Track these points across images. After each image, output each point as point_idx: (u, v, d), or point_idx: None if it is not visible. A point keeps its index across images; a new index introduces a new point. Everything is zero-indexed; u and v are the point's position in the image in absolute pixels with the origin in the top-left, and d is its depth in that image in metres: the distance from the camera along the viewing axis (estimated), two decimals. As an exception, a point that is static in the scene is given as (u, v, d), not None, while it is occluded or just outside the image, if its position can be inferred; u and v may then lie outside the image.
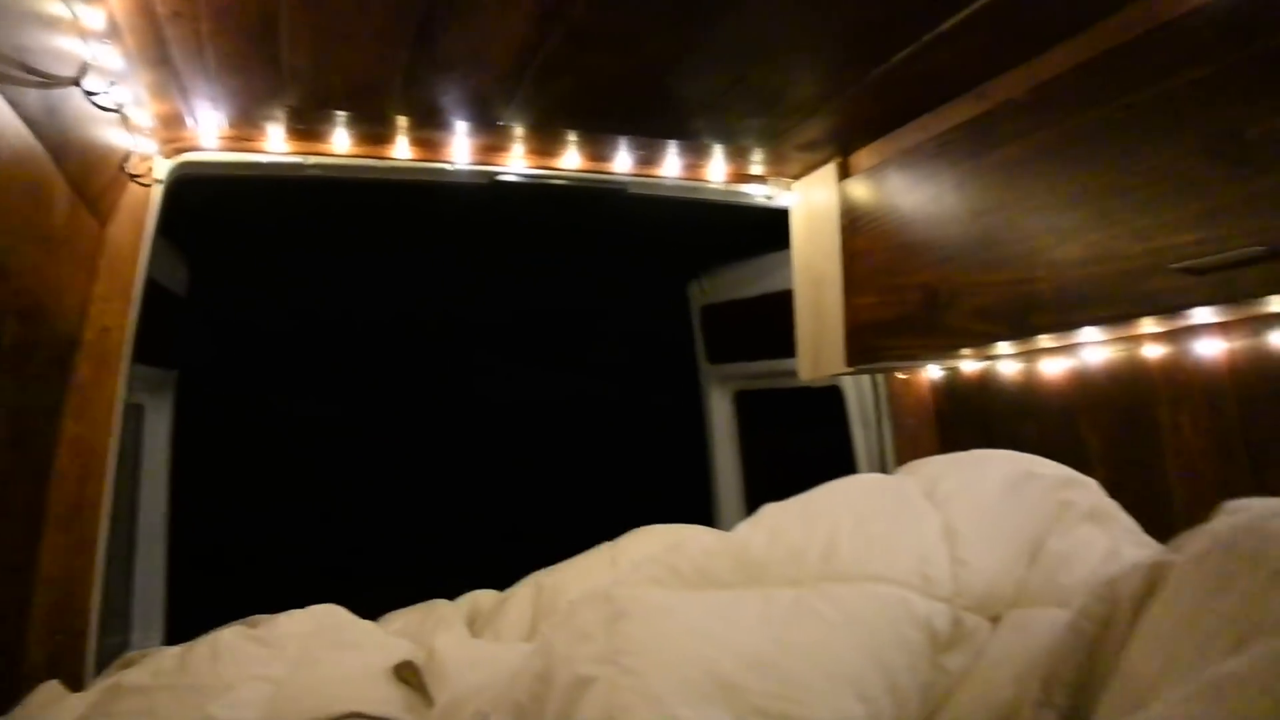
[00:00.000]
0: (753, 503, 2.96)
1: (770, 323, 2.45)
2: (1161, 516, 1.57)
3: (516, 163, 1.90)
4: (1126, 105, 1.25)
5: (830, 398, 2.41)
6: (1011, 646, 0.78)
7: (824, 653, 0.73)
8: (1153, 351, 1.59)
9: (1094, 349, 1.69)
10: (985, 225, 1.53)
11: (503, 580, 1.71)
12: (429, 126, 1.71)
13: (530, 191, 1.98)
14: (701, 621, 0.77)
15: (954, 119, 1.63)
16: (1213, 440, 1.50)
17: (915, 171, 1.69)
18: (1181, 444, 1.55)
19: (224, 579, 2.36)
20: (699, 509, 3.04)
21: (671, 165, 2.01)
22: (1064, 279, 1.38)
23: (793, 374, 2.13)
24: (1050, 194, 1.39)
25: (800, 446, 2.81)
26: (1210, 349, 1.49)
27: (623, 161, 1.96)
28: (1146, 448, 1.61)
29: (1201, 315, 1.38)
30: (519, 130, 1.76)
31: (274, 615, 1.44)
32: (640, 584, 0.84)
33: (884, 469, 2.22)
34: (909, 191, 1.72)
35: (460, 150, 1.83)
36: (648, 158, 1.96)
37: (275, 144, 1.71)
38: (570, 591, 1.16)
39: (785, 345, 2.16)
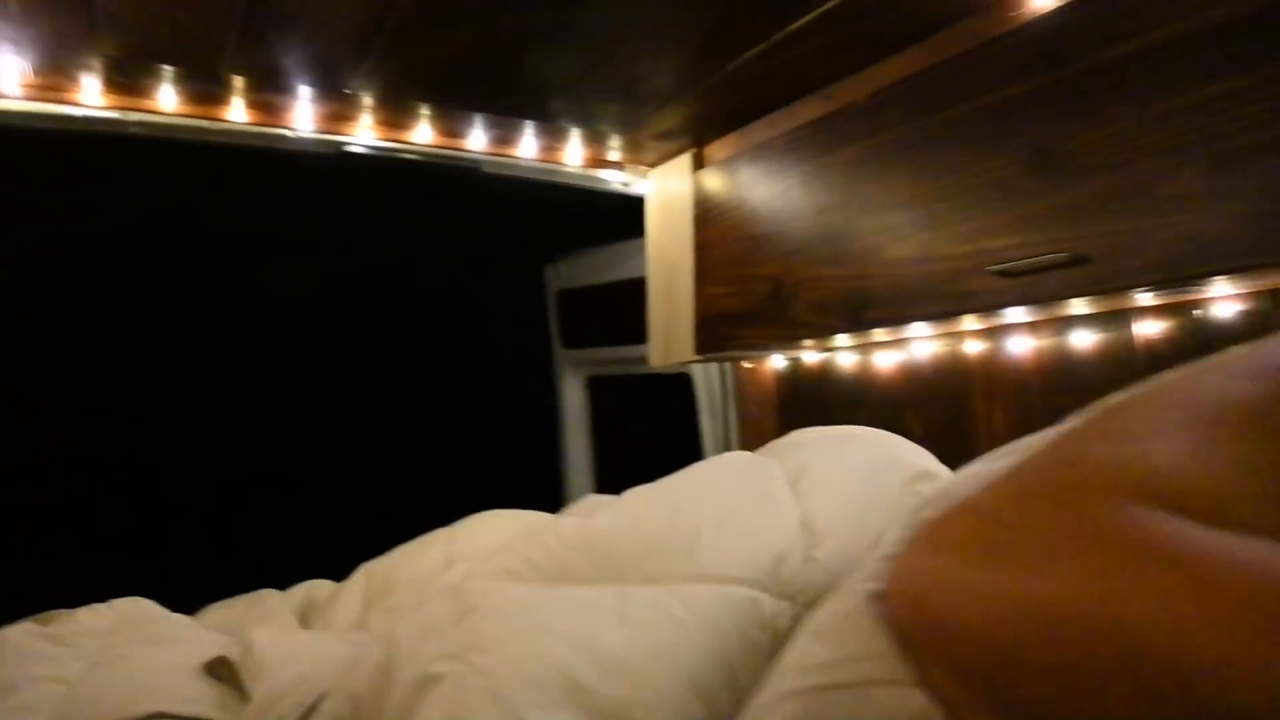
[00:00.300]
0: (603, 488, 2.99)
1: (624, 309, 2.47)
2: (975, 500, 1.71)
3: (365, 134, 1.82)
4: (954, 115, 1.34)
5: (680, 385, 2.46)
6: None
7: (676, 657, 0.72)
8: (972, 347, 1.71)
9: (921, 343, 1.81)
10: (827, 222, 1.59)
11: (342, 568, 1.65)
12: (269, 89, 1.61)
13: (380, 165, 1.91)
14: (558, 620, 0.75)
15: (802, 117, 1.69)
16: (1019, 430, 1.63)
17: (765, 166, 1.75)
18: (993, 433, 1.68)
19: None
20: (548, 494, 3.04)
21: (528, 146, 1.98)
22: (896, 276, 1.46)
23: (644, 361, 2.16)
24: (886, 195, 1.47)
25: (650, 432, 2.85)
26: (1020, 346, 1.62)
27: (477, 139, 1.91)
28: (963, 436, 1.74)
29: (1014, 315, 1.51)
30: (368, 100, 1.68)
31: (72, 610, 1.32)
32: (495, 577, 0.80)
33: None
34: (759, 185, 1.77)
35: (303, 117, 1.73)
36: (503, 137, 1.92)
37: (91, 97, 1.56)
38: (401, 579, 1.10)
39: (638, 332, 2.18)
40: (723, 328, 1.90)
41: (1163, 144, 1.08)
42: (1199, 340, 1.37)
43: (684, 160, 2.03)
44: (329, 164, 1.85)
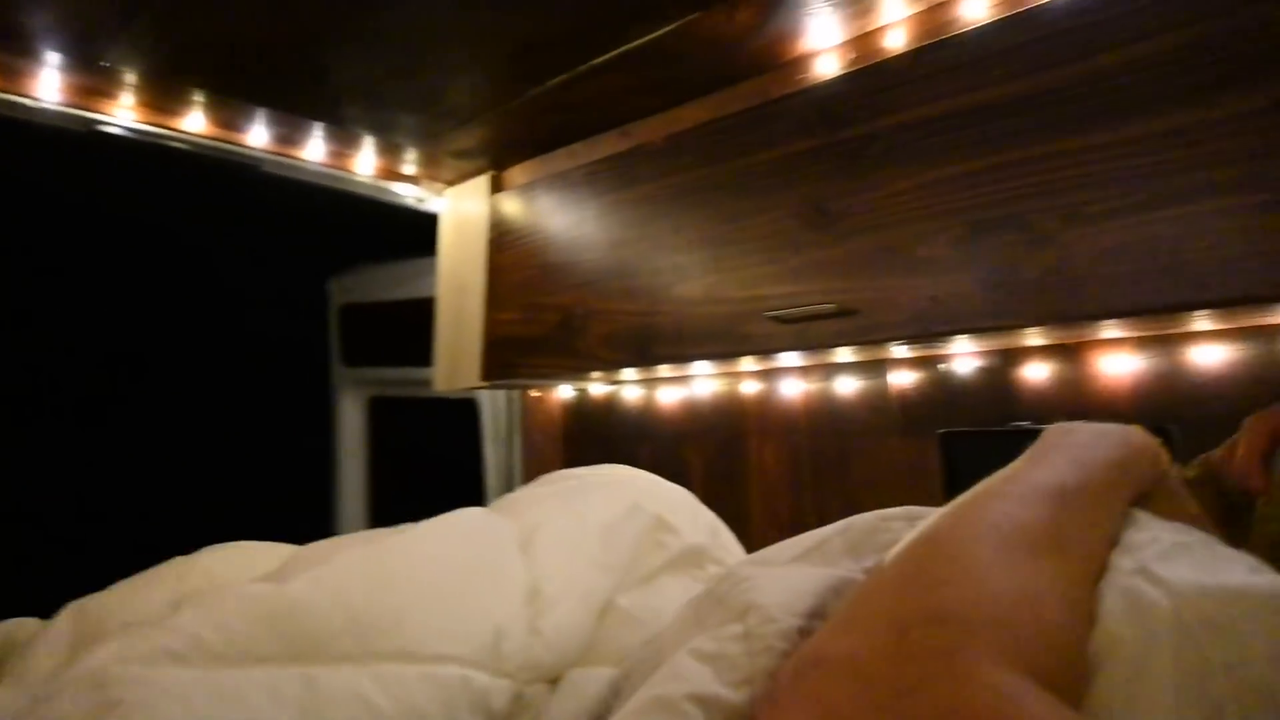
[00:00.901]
0: (378, 516, 2.83)
1: (411, 329, 2.37)
2: (743, 534, 1.78)
3: (124, 114, 1.64)
4: (742, 166, 1.40)
5: (465, 411, 2.39)
6: (565, 706, 0.75)
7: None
8: (749, 388, 1.79)
9: (703, 381, 1.87)
10: (620, 257, 1.62)
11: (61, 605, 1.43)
12: (9, 51, 1.41)
13: (141, 150, 1.72)
14: (225, 713, 0.62)
15: (601, 152, 1.72)
16: (787, 468, 1.72)
17: (563, 196, 1.75)
18: (764, 471, 1.76)
19: None
20: (317, 522, 2.84)
21: (315, 149, 1.86)
22: (683, 315, 1.50)
23: (429, 384, 2.08)
24: (677, 235, 1.51)
25: (432, 458, 2.75)
26: (792, 389, 1.72)
27: (259, 135, 1.78)
28: (736, 473, 1.81)
29: (788, 359, 1.59)
30: (130, 77, 1.51)
31: None
32: (151, 660, 0.65)
33: (511, 484, 2.25)
34: (556, 214, 1.77)
35: (49, 86, 1.53)
36: (288, 136, 1.80)
37: None
38: (115, 620, 0.94)
39: (424, 354, 2.10)
40: (511, 354, 1.87)
41: (921, 211, 1.19)
42: (943, 391, 1.52)
43: (481, 181, 1.99)
44: (76, 142, 1.64)
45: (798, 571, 0.59)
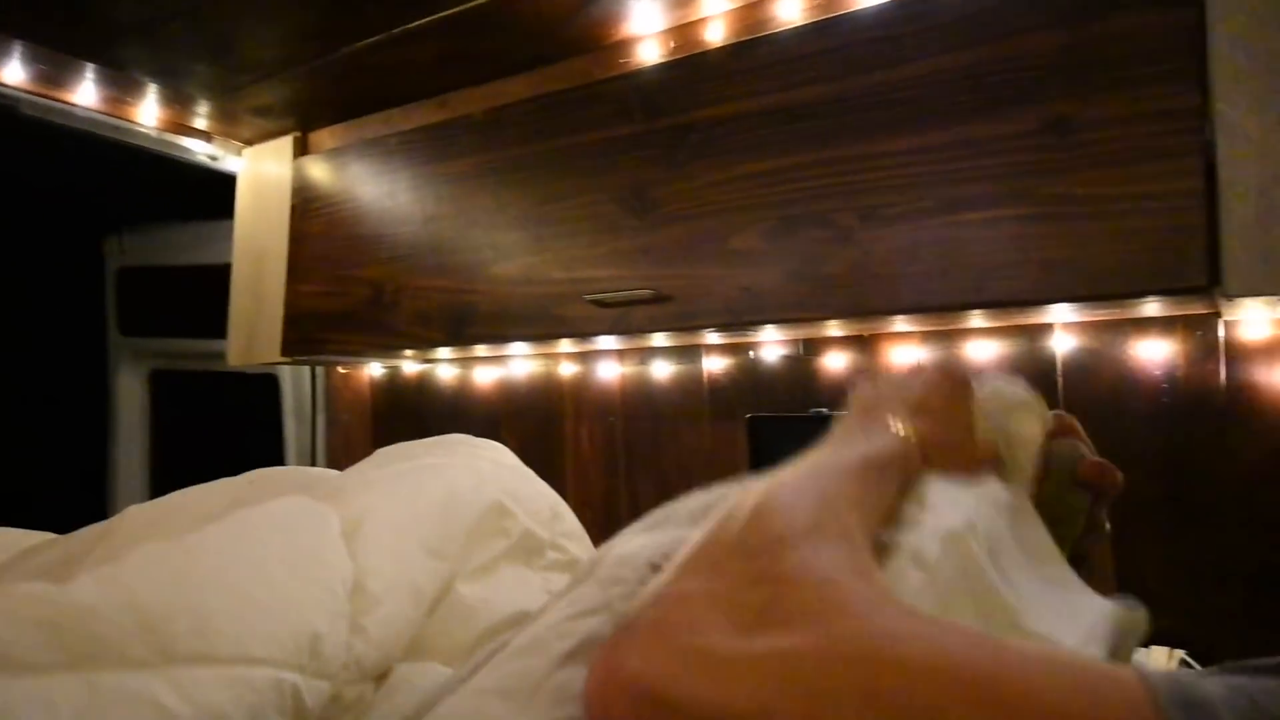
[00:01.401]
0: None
1: (200, 298, 2.18)
2: (558, 516, 1.78)
3: None
4: (564, 146, 1.39)
5: (263, 387, 2.24)
6: (394, 701, 0.71)
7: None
8: (566, 370, 1.79)
9: (520, 362, 1.84)
10: (436, 231, 1.56)
11: None
12: None
13: None
14: None
15: (418, 120, 1.64)
16: (602, 450, 1.74)
17: (376, 164, 1.66)
18: (580, 452, 1.77)
19: None
20: (88, 507, 2.56)
21: (87, 93, 1.66)
22: (500, 295, 1.47)
23: (222, 357, 1.92)
24: (496, 213, 1.47)
25: (225, 438, 2.55)
26: (608, 372, 1.73)
27: (15, 71, 1.56)
28: (553, 455, 1.80)
29: (605, 342, 1.60)
30: None
31: None
32: None
33: (314, 461, 2.13)
34: (367, 182, 1.67)
35: None
36: (54, 76, 1.59)
37: None
38: None
39: (216, 325, 1.94)
40: (315, 329, 1.76)
41: (734, 203, 1.22)
42: (751, 377, 1.58)
43: (285, 143, 1.85)
44: None
45: (646, 535, 0.61)
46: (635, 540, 0.61)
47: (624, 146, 1.33)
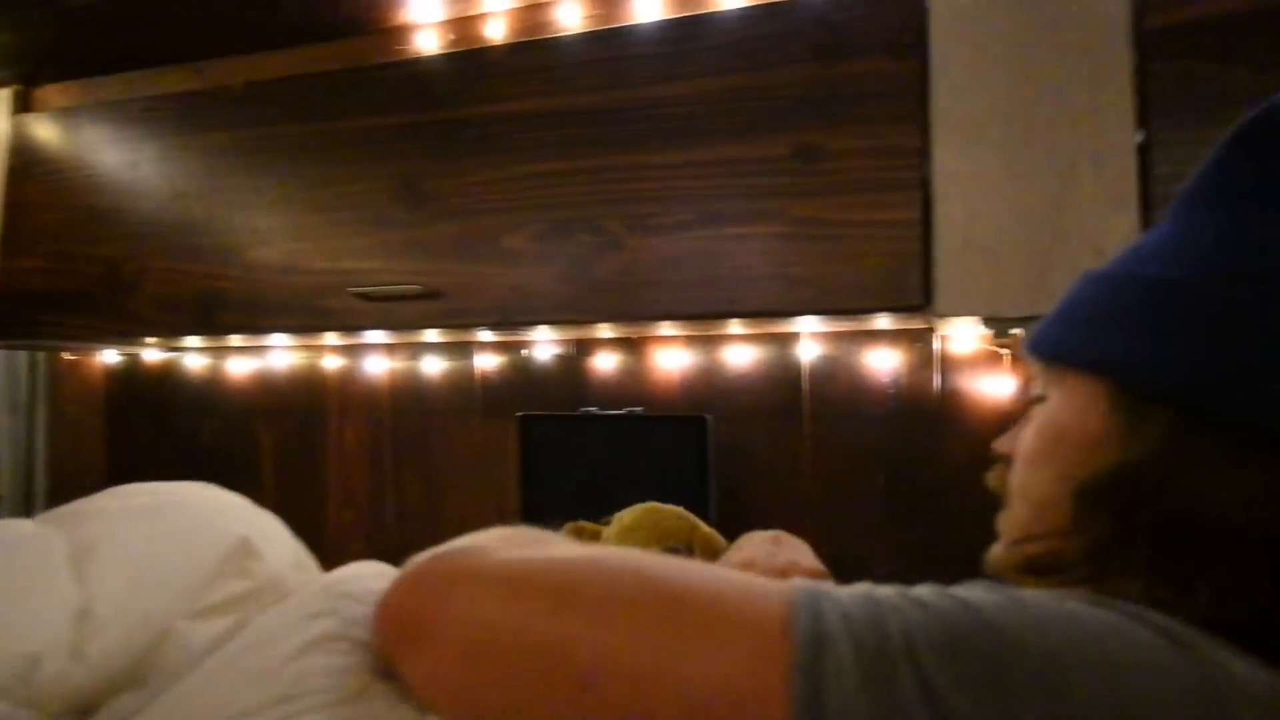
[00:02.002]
0: None
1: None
2: (317, 516, 1.70)
3: None
4: (331, 130, 1.32)
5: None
6: None
7: None
8: (331, 363, 1.71)
9: (279, 354, 1.74)
10: (184, 210, 1.43)
11: None
12: None
13: None
14: None
15: (167, 86, 1.50)
16: (368, 448, 1.68)
17: (116, 130, 1.50)
18: (344, 450, 1.70)
19: None
20: None
21: None
22: (257, 282, 1.37)
23: (-91, 339, 1.65)
24: (255, 195, 1.38)
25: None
26: (377, 367, 1.67)
27: None
28: (314, 452, 1.71)
29: (373, 336, 1.55)
30: None
31: None
32: None
33: (31, 461, 1.89)
34: (105, 149, 1.51)
35: None
36: None
37: None
38: None
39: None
40: (35, 310, 1.56)
41: (507, 203, 1.22)
42: (523, 376, 1.59)
43: (3, 96, 1.62)
44: None
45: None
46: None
47: (396, 136, 1.29)
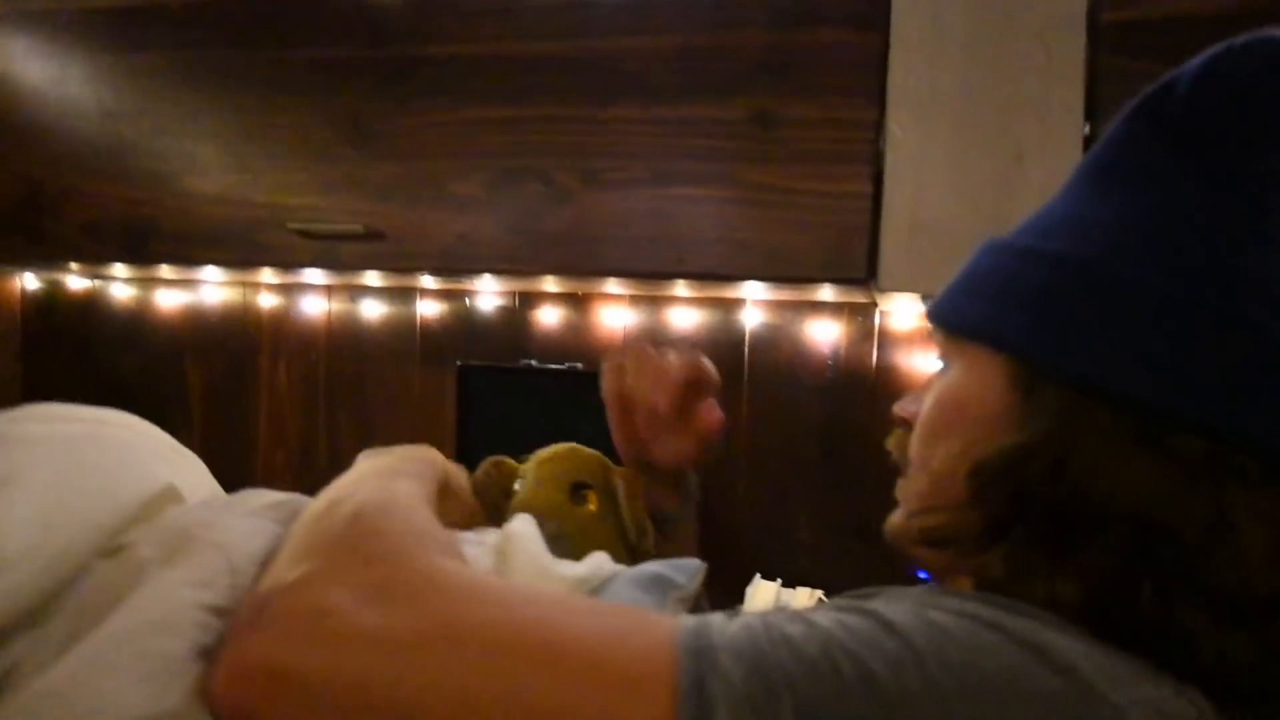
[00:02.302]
0: None
1: None
2: (248, 457, 1.66)
3: None
4: (275, 59, 1.27)
5: None
6: None
7: None
8: (266, 301, 1.66)
9: (212, 289, 1.68)
10: (116, 132, 1.36)
11: None
12: None
13: None
14: None
15: (99, 0, 1.42)
16: (301, 389, 1.64)
17: (44, 41, 1.41)
18: (276, 390, 1.66)
19: None
20: None
21: None
22: (191, 212, 1.32)
23: None
24: (192, 121, 1.32)
25: None
26: (313, 307, 1.63)
27: None
28: (245, 391, 1.67)
29: (311, 276, 1.51)
30: None
31: None
32: None
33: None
34: (31, 61, 1.42)
35: None
36: None
37: None
38: None
39: None
40: (-52, 227, 1.48)
41: (457, 147, 1.19)
42: (465, 325, 1.57)
43: (-83, -5, 1.52)
44: None
45: (258, 523, 0.61)
46: (251, 527, 0.61)
47: (345, 70, 1.24)
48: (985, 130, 1.03)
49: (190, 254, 1.34)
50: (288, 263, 1.28)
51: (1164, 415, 0.41)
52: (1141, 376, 0.42)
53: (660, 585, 0.64)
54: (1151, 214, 0.45)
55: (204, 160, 1.31)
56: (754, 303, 1.44)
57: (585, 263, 1.16)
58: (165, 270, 1.54)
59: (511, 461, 0.84)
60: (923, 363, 1.38)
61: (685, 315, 1.47)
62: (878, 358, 1.40)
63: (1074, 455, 0.42)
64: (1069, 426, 0.43)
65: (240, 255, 1.31)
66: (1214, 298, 0.42)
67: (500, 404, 1.49)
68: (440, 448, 0.74)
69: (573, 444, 0.83)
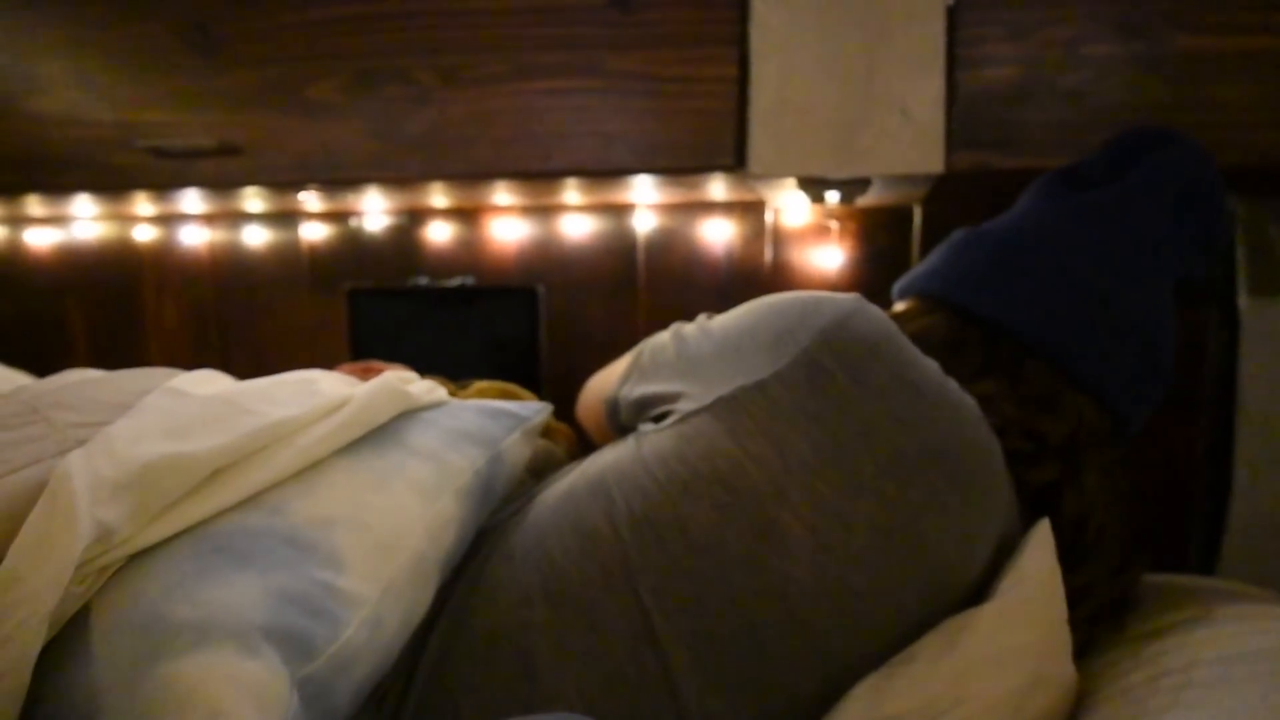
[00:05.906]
0: None
1: None
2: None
3: None
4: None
5: None
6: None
7: None
8: (144, 234, 1.58)
9: (86, 225, 1.60)
10: (-52, 53, 1.27)
11: None
12: None
13: None
14: None
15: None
16: (191, 324, 1.58)
17: None
18: (163, 327, 1.60)
19: None
20: None
21: None
22: (35, 136, 1.24)
23: None
24: (27, 37, 1.23)
25: None
26: (195, 238, 1.56)
27: None
28: (131, 331, 1.61)
29: (190, 205, 1.44)
30: None
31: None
32: None
33: None
34: None
35: None
36: None
37: None
38: None
39: None
40: None
41: (310, 50, 1.13)
42: (353, 247, 1.52)
43: None
44: None
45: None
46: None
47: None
48: (849, 3, 1.00)
49: (38, 180, 1.26)
50: (142, 184, 1.22)
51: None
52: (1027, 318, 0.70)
53: (507, 415, 0.73)
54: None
55: (45, 79, 1.23)
56: (645, 207, 1.41)
57: (449, 166, 1.12)
58: (35, 208, 1.46)
59: (450, 385, 0.92)
60: (817, 257, 1.36)
61: (578, 223, 1.44)
62: (771, 255, 1.38)
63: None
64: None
65: (92, 178, 1.23)
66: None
67: (393, 325, 1.45)
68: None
69: (512, 385, 0.98)
